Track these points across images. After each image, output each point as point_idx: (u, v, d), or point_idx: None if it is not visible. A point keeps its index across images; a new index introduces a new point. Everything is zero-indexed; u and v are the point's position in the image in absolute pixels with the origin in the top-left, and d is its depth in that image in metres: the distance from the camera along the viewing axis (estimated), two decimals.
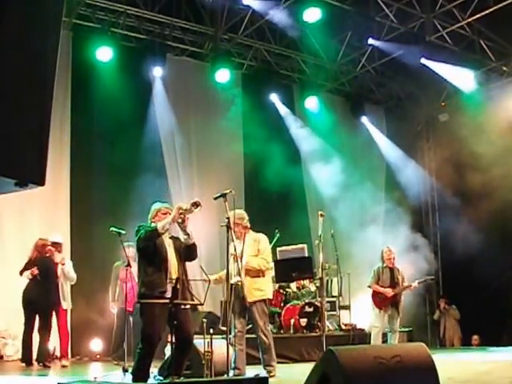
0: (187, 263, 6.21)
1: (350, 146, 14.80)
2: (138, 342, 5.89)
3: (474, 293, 13.33)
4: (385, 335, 9.94)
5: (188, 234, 6.06)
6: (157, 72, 12.78)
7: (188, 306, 5.98)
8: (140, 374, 5.86)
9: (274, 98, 14.59)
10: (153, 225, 6.02)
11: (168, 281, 5.84)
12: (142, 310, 5.89)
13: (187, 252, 6.15)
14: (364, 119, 15.79)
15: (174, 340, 5.93)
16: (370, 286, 9.97)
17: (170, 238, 6.14)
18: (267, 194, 13.55)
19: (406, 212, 13.99)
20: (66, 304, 10.09)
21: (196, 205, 5.89)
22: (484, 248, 12.82)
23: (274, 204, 13.74)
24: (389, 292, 9.69)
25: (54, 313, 9.90)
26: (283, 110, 14.77)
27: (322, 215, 7.46)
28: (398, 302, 9.82)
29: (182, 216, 5.91)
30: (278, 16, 12.33)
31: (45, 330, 9.76)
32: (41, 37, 2.54)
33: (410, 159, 15.65)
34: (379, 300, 9.78)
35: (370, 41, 13.28)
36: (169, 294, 5.79)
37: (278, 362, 7.40)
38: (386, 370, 4.40)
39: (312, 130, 14.99)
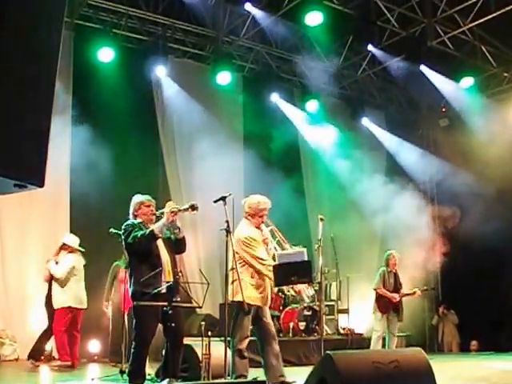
0: (188, 266, 6.21)
1: (350, 150, 14.79)
2: (132, 341, 5.90)
3: (472, 298, 13.30)
4: (383, 339, 9.93)
5: (178, 228, 6.08)
6: (158, 73, 12.79)
7: (179, 299, 5.99)
8: (136, 373, 5.86)
9: (275, 97, 14.56)
10: (146, 225, 6.02)
11: (163, 281, 5.85)
12: (135, 309, 5.90)
13: (176, 245, 6.17)
14: (365, 120, 15.75)
15: (166, 338, 5.96)
16: (375, 289, 9.94)
17: None
18: (267, 196, 13.52)
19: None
20: (57, 304, 9.52)
21: (193, 207, 5.92)
22: (484, 254, 12.85)
23: (274, 206, 13.70)
24: (395, 297, 9.68)
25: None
26: (285, 108, 14.75)
27: (321, 219, 7.44)
28: (400, 307, 9.82)
29: (174, 216, 5.92)
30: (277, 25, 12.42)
31: (44, 330, 9.73)
32: (42, 37, 2.54)
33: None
34: (384, 304, 9.75)
35: (370, 47, 13.25)
36: (163, 290, 5.80)
37: None
38: (383, 375, 4.40)
39: (312, 134, 15.02)
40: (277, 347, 6.54)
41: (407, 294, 9.91)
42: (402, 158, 15.57)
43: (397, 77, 13.91)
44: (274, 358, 6.48)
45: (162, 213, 5.98)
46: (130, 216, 6.20)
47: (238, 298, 6.31)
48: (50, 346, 10.78)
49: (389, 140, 15.85)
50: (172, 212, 5.88)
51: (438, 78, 13.82)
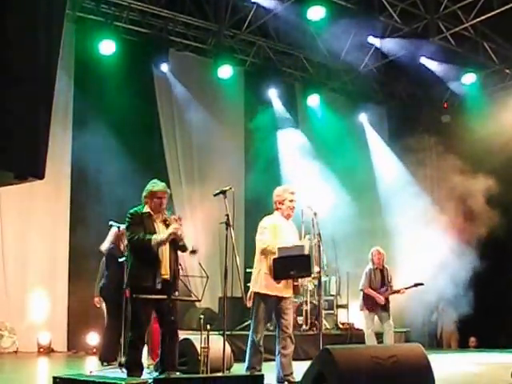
0: (188, 260, 6.22)
1: (349, 146, 14.78)
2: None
3: (472, 294, 13.30)
4: (380, 335, 9.93)
5: (181, 240, 6.14)
6: (159, 66, 12.79)
7: (176, 294, 6.02)
8: (133, 364, 5.89)
9: (272, 93, 14.50)
10: (151, 215, 6.05)
11: (159, 276, 5.85)
12: (131, 302, 5.94)
13: (178, 246, 6.21)
14: (363, 117, 15.75)
15: (161, 329, 5.99)
16: (362, 289, 9.96)
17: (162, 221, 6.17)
18: (267, 189, 13.55)
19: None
20: None
21: (193, 252, 6.00)
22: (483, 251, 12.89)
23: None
24: (381, 299, 9.65)
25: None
26: (280, 107, 14.73)
27: (315, 214, 7.44)
28: (387, 304, 9.81)
29: (175, 237, 5.96)
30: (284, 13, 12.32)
31: (108, 326, 8.72)
32: (43, 31, 2.53)
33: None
34: (371, 303, 9.75)
35: (370, 39, 13.20)
36: (159, 286, 5.82)
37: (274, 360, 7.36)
38: (382, 370, 4.41)
39: (313, 129, 14.99)
40: (289, 347, 6.59)
41: (393, 292, 9.89)
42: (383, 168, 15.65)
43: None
44: (283, 356, 6.55)
45: (166, 220, 6.01)
46: (142, 199, 6.18)
47: (255, 288, 6.50)
48: (49, 338, 10.82)
49: (375, 142, 15.87)
50: (173, 233, 5.93)
51: (440, 68, 13.77)
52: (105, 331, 8.83)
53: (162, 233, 6.02)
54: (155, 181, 6.29)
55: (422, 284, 10.09)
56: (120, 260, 7.97)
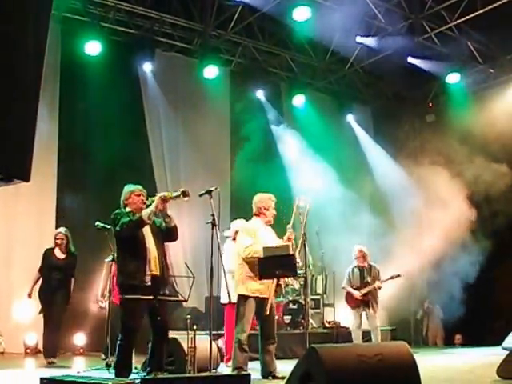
0: (174, 260, 6.21)
1: (336, 145, 14.82)
2: (119, 333, 5.93)
3: (456, 292, 13.40)
4: (368, 334, 10.02)
5: (169, 217, 6.09)
6: (145, 67, 12.79)
7: (167, 292, 6.04)
8: (122, 366, 5.88)
9: (258, 93, 14.59)
10: (135, 214, 6.00)
11: (148, 273, 5.86)
12: (121, 302, 5.93)
13: (168, 234, 6.20)
14: (350, 117, 15.83)
15: (152, 330, 6.00)
16: (343, 288, 10.16)
17: None
18: (253, 188, 13.57)
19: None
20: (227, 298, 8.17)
21: (185, 194, 5.93)
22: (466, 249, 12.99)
23: None
24: (357, 295, 9.82)
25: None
26: (265, 107, 14.78)
27: (300, 214, 7.54)
28: (369, 301, 9.91)
29: (165, 204, 5.93)
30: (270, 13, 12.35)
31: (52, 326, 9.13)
32: (28, 34, 2.54)
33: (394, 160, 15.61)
34: (351, 300, 9.99)
35: (358, 39, 13.27)
36: (148, 283, 5.83)
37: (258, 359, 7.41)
38: (367, 368, 4.44)
39: (299, 128, 15.01)
40: (271, 345, 6.81)
41: (370, 287, 9.99)
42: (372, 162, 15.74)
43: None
44: (266, 353, 6.79)
45: (153, 201, 5.99)
46: (121, 205, 6.20)
47: (238, 290, 6.75)
48: (36, 339, 10.77)
49: (362, 140, 15.95)
50: (162, 200, 5.90)
51: (427, 64, 13.87)
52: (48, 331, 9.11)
53: (147, 233, 6.04)
54: (128, 185, 6.33)
55: (398, 275, 10.22)
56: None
